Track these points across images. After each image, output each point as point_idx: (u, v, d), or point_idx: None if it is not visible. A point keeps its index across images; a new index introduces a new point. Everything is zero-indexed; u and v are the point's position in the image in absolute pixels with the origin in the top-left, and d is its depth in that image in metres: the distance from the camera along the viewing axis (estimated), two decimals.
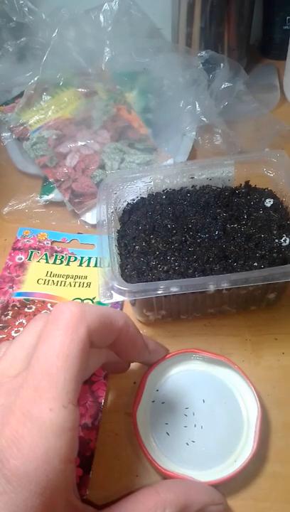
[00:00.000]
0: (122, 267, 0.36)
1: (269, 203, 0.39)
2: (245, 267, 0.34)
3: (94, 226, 0.48)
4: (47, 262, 0.45)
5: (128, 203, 0.41)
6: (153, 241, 0.37)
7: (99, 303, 0.36)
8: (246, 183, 0.42)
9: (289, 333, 0.39)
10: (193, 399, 0.34)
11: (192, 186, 0.42)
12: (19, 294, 0.43)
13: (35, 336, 0.26)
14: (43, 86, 0.52)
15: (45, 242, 0.47)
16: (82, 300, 0.42)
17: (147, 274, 0.35)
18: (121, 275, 0.35)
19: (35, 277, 0.44)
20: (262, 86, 0.62)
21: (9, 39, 0.54)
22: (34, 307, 0.42)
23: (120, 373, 0.34)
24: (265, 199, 0.40)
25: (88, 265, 0.45)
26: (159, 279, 0.34)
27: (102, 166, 0.50)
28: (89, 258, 0.46)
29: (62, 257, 0.46)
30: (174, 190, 0.42)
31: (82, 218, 0.49)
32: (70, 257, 0.46)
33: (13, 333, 0.40)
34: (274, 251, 0.35)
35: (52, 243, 0.47)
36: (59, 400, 0.22)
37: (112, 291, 0.33)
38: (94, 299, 0.42)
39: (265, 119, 0.56)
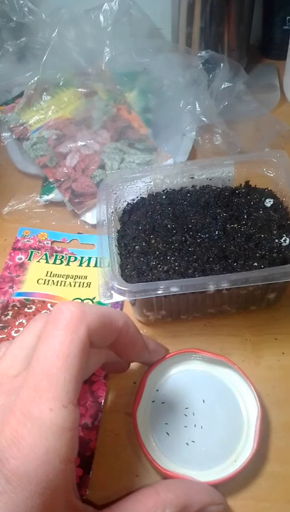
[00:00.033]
0: (122, 267, 0.36)
1: (269, 203, 0.39)
2: (245, 267, 0.34)
3: (94, 226, 0.48)
4: (47, 262, 0.45)
5: (128, 203, 0.41)
6: (153, 241, 0.37)
7: (99, 303, 0.36)
8: (246, 183, 0.42)
9: (289, 333, 0.39)
10: (193, 399, 0.34)
11: (192, 186, 0.42)
12: (19, 294, 0.43)
13: (35, 336, 0.26)
14: (43, 86, 0.52)
15: (45, 242, 0.47)
16: (82, 300, 0.42)
17: (147, 274, 0.35)
18: (121, 275, 0.35)
19: (35, 277, 0.44)
20: (262, 86, 0.62)
21: (9, 39, 0.54)
22: (34, 307, 0.42)
23: (120, 373, 0.34)
24: (265, 199, 0.40)
25: (88, 265, 0.45)
26: (159, 279, 0.34)
27: (102, 166, 0.50)
28: (89, 258, 0.46)
29: (62, 257, 0.46)
30: (174, 190, 0.42)
31: (82, 218, 0.49)
32: (70, 257, 0.46)
33: (13, 333, 0.40)
34: (274, 251, 0.35)
35: (52, 243, 0.47)
36: (59, 400, 0.22)
37: (112, 291, 0.33)
38: (94, 299, 0.42)
39: (265, 119, 0.56)
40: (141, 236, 0.38)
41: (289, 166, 0.39)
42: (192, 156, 0.53)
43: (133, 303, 0.38)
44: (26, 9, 0.52)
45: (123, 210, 0.41)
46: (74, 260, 0.46)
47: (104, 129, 0.52)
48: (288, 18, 0.66)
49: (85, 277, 0.44)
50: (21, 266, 0.45)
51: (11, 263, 0.45)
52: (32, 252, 0.46)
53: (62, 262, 0.45)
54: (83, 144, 0.51)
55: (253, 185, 0.42)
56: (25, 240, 0.47)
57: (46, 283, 0.44)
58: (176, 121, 0.53)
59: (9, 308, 0.42)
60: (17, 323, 0.41)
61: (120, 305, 0.42)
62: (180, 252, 0.36)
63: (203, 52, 0.54)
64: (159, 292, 0.32)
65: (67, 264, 0.45)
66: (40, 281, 0.44)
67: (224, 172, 0.41)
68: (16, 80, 0.53)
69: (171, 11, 0.61)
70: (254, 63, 0.69)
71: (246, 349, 0.38)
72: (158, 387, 0.35)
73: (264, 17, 0.69)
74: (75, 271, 0.45)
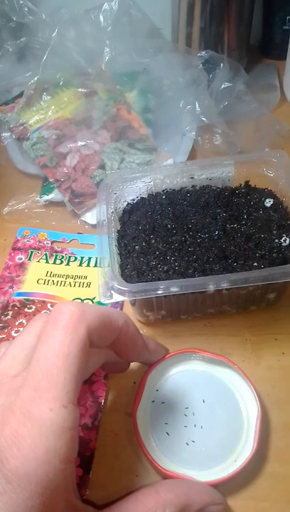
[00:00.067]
0: (122, 267, 0.36)
1: (268, 203, 0.39)
2: (245, 267, 0.34)
3: (94, 226, 0.48)
4: (47, 262, 0.45)
5: (128, 203, 0.41)
6: (153, 241, 0.37)
7: (99, 303, 0.36)
8: (246, 183, 0.42)
9: (289, 333, 0.39)
10: (193, 399, 0.34)
11: (192, 186, 0.42)
12: (19, 294, 0.43)
13: (34, 336, 0.26)
14: (43, 86, 0.52)
15: (45, 242, 0.47)
16: (82, 300, 0.42)
17: (147, 274, 0.35)
18: (121, 275, 0.35)
19: (35, 277, 0.44)
20: (262, 86, 0.62)
21: (9, 39, 0.54)
22: (34, 307, 0.42)
23: (120, 373, 0.34)
24: (265, 199, 0.40)
25: (88, 265, 0.45)
26: (159, 279, 0.34)
27: (102, 166, 0.50)
28: (89, 258, 0.46)
29: (62, 257, 0.46)
30: (174, 190, 0.42)
31: (82, 218, 0.49)
32: (70, 257, 0.46)
33: (13, 333, 0.40)
34: (273, 251, 0.35)
35: (52, 243, 0.47)
36: (59, 400, 0.22)
37: (112, 291, 0.33)
38: (94, 299, 0.42)
39: (265, 119, 0.56)
40: (141, 236, 0.38)
41: (289, 166, 0.39)
42: (192, 156, 0.53)
43: (133, 303, 0.38)
44: (26, 9, 0.52)
45: (123, 210, 0.41)
46: (74, 260, 0.46)
47: (104, 129, 0.52)
48: (288, 18, 0.66)
49: (85, 277, 0.44)
50: (21, 266, 0.45)
51: (11, 263, 0.45)
52: (32, 252, 0.46)
53: (62, 262, 0.45)
54: (83, 143, 0.51)
55: (253, 185, 0.42)
56: (25, 240, 0.47)
57: (46, 283, 0.44)
58: (176, 121, 0.53)
59: (9, 308, 0.42)
60: (17, 323, 0.41)
61: (120, 305, 0.42)
62: (180, 252, 0.36)
63: (203, 52, 0.54)
64: (159, 292, 0.32)
65: (67, 264, 0.45)
66: (40, 281, 0.44)
67: (224, 172, 0.41)
68: (16, 79, 0.53)
69: (171, 11, 0.61)
70: (254, 63, 0.69)
71: (246, 349, 0.38)
72: (158, 387, 0.35)
73: (264, 17, 0.69)
74: (75, 271, 0.45)
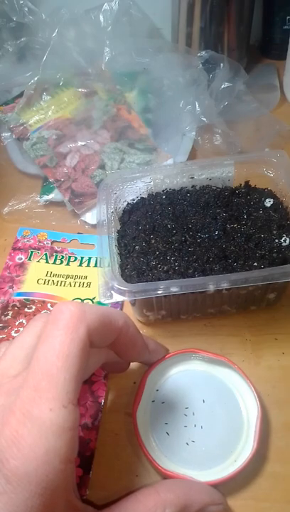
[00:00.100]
0: (122, 267, 0.36)
1: (268, 203, 0.39)
2: (245, 267, 0.34)
3: (94, 226, 0.48)
4: (47, 262, 0.45)
5: (128, 203, 0.41)
6: (153, 241, 0.37)
7: (99, 303, 0.36)
8: (246, 183, 0.42)
9: (289, 333, 0.39)
10: (193, 399, 0.34)
11: (192, 186, 0.42)
12: (19, 294, 0.43)
13: (34, 336, 0.26)
14: (43, 86, 0.52)
15: (45, 242, 0.47)
16: (82, 300, 0.42)
17: (147, 274, 0.35)
18: (121, 275, 0.35)
19: (35, 277, 0.44)
20: (262, 86, 0.62)
21: (9, 39, 0.54)
22: (34, 307, 0.42)
23: (120, 373, 0.34)
24: (265, 199, 0.40)
25: (88, 265, 0.45)
26: (159, 279, 0.34)
27: (102, 166, 0.50)
28: (89, 258, 0.46)
29: (62, 257, 0.46)
30: (174, 190, 0.42)
31: (82, 218, 0.49)
32: (70, 257, 0.46)
33: (13, 333, 0.40)
34: (273, 251, 0.35)
35: (52, 243, 0.47)
36: (59, 400, 0.22)
37: (112, 291, 0.33)
38: (94, 299, 0.42)
39: (265, 119, 0.56)
40: (141, 236, 0.38)
41: (289, 166, 0.39)
42: (192, 156, 0.53)
43: (133, 303, 0.38)
44: (26, 9, 0.52)
45: (123, 210, 0.41)
46: (74, 260, 0.46)
47: (104, 129, 0.52)
48: (288, 18, 0.66)
49: (85, 277, 0.44)
50: (21, 266, 0.45)
51: (11, 263, 0.45)
52: (32, 252, 0.46)
53: (62, 262, 0.45)
54: (83, 143, 0.51)
55: (253, 185, 0.42)
56: (25, 240, 0.47)
57: (46, 283, 0.44)
58: (176, 121, 0.53)
59: (9, 308, 0.42)
60: (17, 323, 0.41)
61: (120, 305, 0.42)
62: (180, 252, 0.36)
63: (203, 52, 0.54)
64: (159, 292, 0.32)
65: (67, 264, 0.45)
66: (40, 281, 0.44)
67: (224, 172, 0.41)
68: (16, 79, 0.53)
69: (171, 11, 0.61)
70: (254, 63, 0.69)
71: (246, 349, 0.38)
72: (158, 387, 0.35)
73: (264, 17, 0.69)
74: (75, 271, 0.45)
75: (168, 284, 0.32)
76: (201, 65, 0.53)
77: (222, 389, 0.35)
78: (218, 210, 0.39)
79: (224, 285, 0.33)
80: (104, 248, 0.35)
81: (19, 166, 0.53)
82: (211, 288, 0.33)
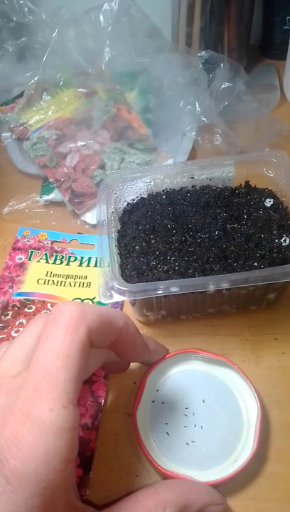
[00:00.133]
0: (122, 267, 0.36)
1: (269, 203, 0.39)
2: (245, 267, 0.34)
3: (94, 226, 0.48)
4: (47, 262, 0.45)
5: (128, 203, 0.41)
6: (153, 241, 0.37)
7: (99, 303, 0.36)
8: (246, 183, 0.42)
9: (289, 333, 0.39)
10: (193, 399, 0.34)
11: (192, 186, 0.42)
12: (19, 294, 0.43)
13: (34, 336, 0.26)
14: (43, 86, 0.52)
15: (45, 242, 0.47)
16: (82, 300, 0.42)
17: (147, 274, 0.35)
18: (121, 275, 0.35)
19: (35, 277, 0.44)
20: (262, 86, 0.62)
21: (9, 39, 0.54)
22: (34, 307, 0.42)
23: (120, 373, 0.34)
24: (265, 199, 0.40)
25: (88, 265, 0.45)
26: (159, 279, 0.34)
27: (102, 166, 0.50)
28: (89, 258, 0.46)
29: (62, 257, 0.46)
30: (174, 190, 0.42)
31: (82, 218, 0.49)
32: (70, 257, 0.46)
33: (13, 333, 0.40)
34: (274, 251, 0.35)
35: (52, 243, 0.47)
36: (59, 400, 0.22)
37: (112, 291, 0.33)
38: (94, 299, 0.42)
39: (265, 119, 0.56)
40: (141, 236, 0.38)
41: (289, 166, 0.39)
42: (192, 156, 0.53)
43: (133, 303, 0.38)
44: (26, 9, 0.52)
45: (123, 210, 0.41)
46: (74, 260, 0.46)
47: (104, 129, 0.52)
48: (288, 18, 0.66)
49: (85, 277, 0.44)
50: (21, 266, 0.45)
51: (11, 263, 0.45)
52: (32, 252, 0.46)
53: (62, 262, 0.45)
54: (83, 144, 0.51)
55: (253, 185, 0.42)
56: (25, 240, 0.47)
57: (46, 283, 0.44)
58: (176, 121, 0.53)
59: (9, 308, 0.42)
60: (17, 323, 0.41)
61: (120, 305, 0.42)
62: (180, 252, 0.36)
63: (203, 52, 0.54)
64: (159, 292, 0.32)
65: (67, 264, 0.45)
66: (40, 281, 0.44)
67: (224, 172, 0.41)
68: (16, 79, 0.53)
69: (171, 11, 0.61)
70: (254, 63, 0.69)
71: (246, 349, 0.38)
72: (158, 387, 0.35)
73: (264, 17, 0.69)
74: (75, 271, 0.45)
75: (168, 284, 0.32)
76: (201, 65, 0.53)
77: (222, 389, 0.35)
78: (218, 210, 0.39)
79: (225, 285, 0.33)
80: (104, 248, 0.35)
81: (19, 166, 0.53)
82: (211, 288, 0.33)
